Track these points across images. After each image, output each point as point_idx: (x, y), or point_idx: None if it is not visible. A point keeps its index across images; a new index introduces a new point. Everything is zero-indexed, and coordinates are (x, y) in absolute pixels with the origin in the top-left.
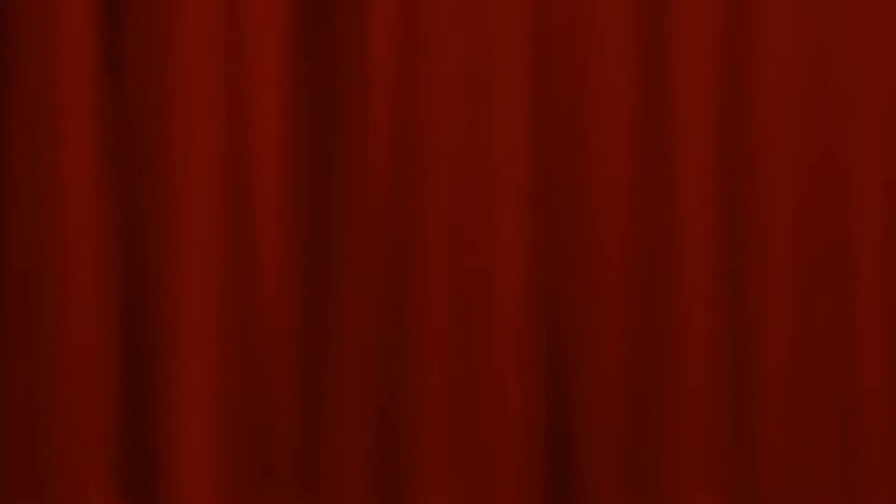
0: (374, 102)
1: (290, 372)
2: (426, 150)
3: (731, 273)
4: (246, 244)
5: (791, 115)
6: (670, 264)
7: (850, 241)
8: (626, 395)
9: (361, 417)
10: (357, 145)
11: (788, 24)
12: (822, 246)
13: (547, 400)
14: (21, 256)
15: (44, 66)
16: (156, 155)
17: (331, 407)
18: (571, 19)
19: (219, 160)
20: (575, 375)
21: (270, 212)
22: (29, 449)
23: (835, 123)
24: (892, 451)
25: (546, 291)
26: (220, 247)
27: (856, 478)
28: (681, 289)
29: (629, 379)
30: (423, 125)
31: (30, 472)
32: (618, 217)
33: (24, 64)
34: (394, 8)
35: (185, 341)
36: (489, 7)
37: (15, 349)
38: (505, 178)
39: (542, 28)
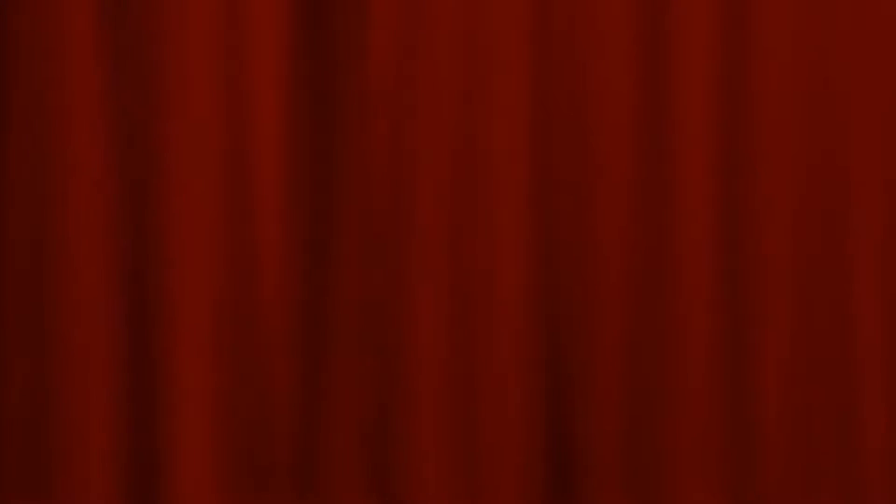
0: (373, 102)
1: (290, 372)
2: (426, 149)
3: (731, 273)
4: (245, 244)
5: (791, 114)
6: (670, 264)
7: (850, 242)
8: (626, 394)
9: (361, 417)
10: (357, 145)
11: (788, 23)
12: (822, 246)
13: (547, 400)
14: (22, 256)
15: (45, 66)
16: (156, 154)
17: (330, 407)
18: (571, 19)
19: (219, 160)
20: (575, 375)
21: (270, 212)
22: (28, 449)
23: (835, 123)
24: (893, 451)
25: (546, 291)
26: (220, 246)
27: (856, 478)
28: (681, 289)
29: (629, 379)
30: (422, 125)
31: (29, 471)
32: (618, 217)
33: (25, 64)
34: (394, 7)
35: (185, 341)
36: (489, 7)
37: (14, 349)
38: (505, 177)
39: (542, 28)
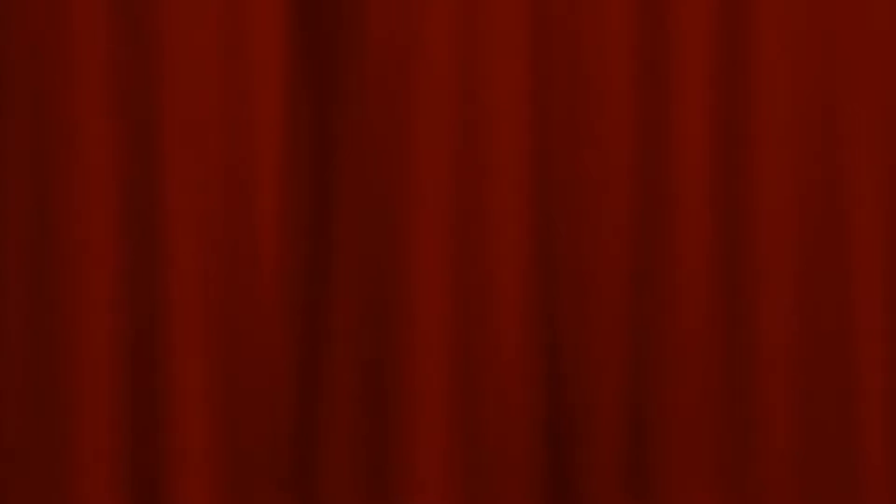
0: (373, 100)
1: (290, 371)
2: (425, 147)
3: (730, 274)
4: (246, 244)
5: (791, 114)
6: (669, 264)
7: (850, 241)
8: (625, 394)
9: (360, 418)
10: (356, 143)
11: (788, 23)
12: (823, 246)
13: (546, 400)
14: (23, 255)
15: (45, 66)
16: (156, 154)
17: (330, 407)
18: (571, 19)
19: (218, 160)
20: (575, 375)
21: (270, 212)
22: (31, 449)
23: (835, 123)
24: (893, 451)
25: (545, 291)
26: (220, 246)
27: (856, 477)
28: (681, 289)
29: (629, 379)
30: (422, 124)
31: (32, 471)
32: (618, 215)
33: (27, 63)
34: (393, 6)
35: (185, 341)
36: (489, 6)
37: (16, 349)
38: (504, 176)
39: (542, 27)
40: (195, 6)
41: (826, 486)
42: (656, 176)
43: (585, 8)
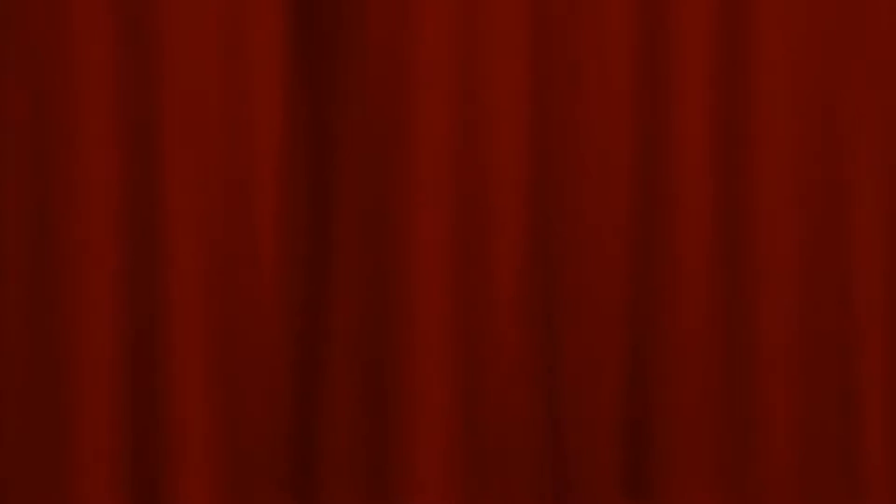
0: (372, 101)
1: (290, 371)
2: (425, 149)
3: (731, 274)
4: (245, 243)
5: (791, 114)
6: (669, 264)
7: (851, 240)
8: (625, 394)
9: (360, 417)
10: (355, 144)
11: (788, 23)
12: (823, 247)
13: (547, 400)
14: (24, 255)
15: (46, 66)
16: (156, 154)
17: (330, 406)
18: (571, 19)
19: (219, 159)
20: (575, 375)
21: (269, 211)
22: (31, 449)
23: (835, 122)
24: (893, 451)
25: (545, 290)
26: (220, 246)
27: (856, 477)
28: (680, 289)
29: (629, 378)
30: (421, 124)
31: (32, 471)
32: (617, 216)
33: (28, 63)
34: (393, 6)
35: (185, 341)
36: (489, 6)
37: (16, 350)
38: (504, 176)
39: (542, 27)
40: (195, 6)
41: (826, 486)
42: (656, 176)
43: (585, 8)
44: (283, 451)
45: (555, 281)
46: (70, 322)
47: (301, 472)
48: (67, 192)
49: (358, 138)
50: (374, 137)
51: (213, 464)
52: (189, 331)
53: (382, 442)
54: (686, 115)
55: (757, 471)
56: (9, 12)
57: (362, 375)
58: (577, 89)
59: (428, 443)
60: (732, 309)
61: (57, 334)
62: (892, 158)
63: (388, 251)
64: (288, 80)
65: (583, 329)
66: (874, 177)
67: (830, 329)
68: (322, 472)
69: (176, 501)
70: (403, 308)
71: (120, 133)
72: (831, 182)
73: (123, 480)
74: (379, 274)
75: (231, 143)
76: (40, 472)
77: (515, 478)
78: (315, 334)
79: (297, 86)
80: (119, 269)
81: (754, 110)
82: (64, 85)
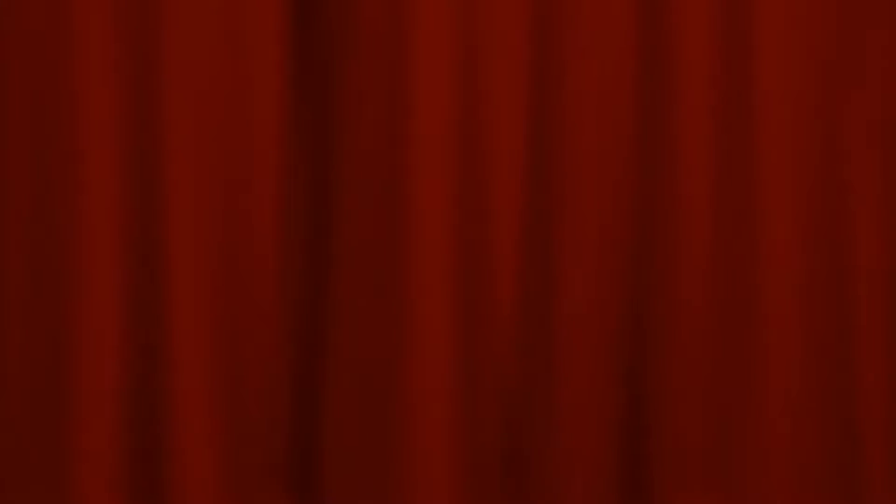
0: (372, 101)
1: (290, 372)
2: (425, 149)
3: (731, 274)
4: (245, 243)
5: (790, 113)
6: (670, 265)
7: (851, 240)
8: (623, 394)
9: (360, 417)
10: (355, 144)
11: (789, 22)
12: (823, 247)
13: (546, 400)
14: (25, 254)
15: (46, 65)
16: (156, 154)
17: (330, 406)
18: (571, 19)
19: (219, 159)
20: (572, 374)
21: (269, 212)
22: (31, 449)
23: (836, 121)
24: (893, 451)
25: (545, 290)
26: (220, 246)
27: (856, 477)
28: (681, 289)
29: (627, 378)
30: (421, 124)
31: (32, 471)
32: (618, 217)
33: (29, 62)
34: (392, 6)
35: (185, 341)
36: (489, 6)
37: (17, 347)
38: (504, 176)
39: (542, 27)
40: (195, 6)
41: (826, 486)
42: (656, 176)
43: (585, 8)
44: (283, 452)
45: (554, 281)
46: (70, 321)
47: (302, 473)
48: (68, 191)
49: (358, 138)
50: (373, 137)
51: (214, 464)
52: (190, 330)
53: (383, 442)
54: (687, 114)
55: (757, 471)
56: (9, 12)
57: (363, 375)
58: (577, 88)
59: (428, 443)
60: (732, 309)
61: (57, 334)
62: (893, 158)
63: (389, 251)
64: (288, 79)
65: (582, 329)
66: (875, 176)
67: (830, 329)
68: (323, 472)
69: (176, 501)
70: (404, 308)
71: (120, 133)
72: (832, 181)
73: (123, 480)
74: (379, 274)
75: (232, 143)
76: (40, 472)
77: (515, 478)
78: (316, 334)
79: (297, 85)
80: (119, 269)
81: (755, 110)
82: (64, 85)
